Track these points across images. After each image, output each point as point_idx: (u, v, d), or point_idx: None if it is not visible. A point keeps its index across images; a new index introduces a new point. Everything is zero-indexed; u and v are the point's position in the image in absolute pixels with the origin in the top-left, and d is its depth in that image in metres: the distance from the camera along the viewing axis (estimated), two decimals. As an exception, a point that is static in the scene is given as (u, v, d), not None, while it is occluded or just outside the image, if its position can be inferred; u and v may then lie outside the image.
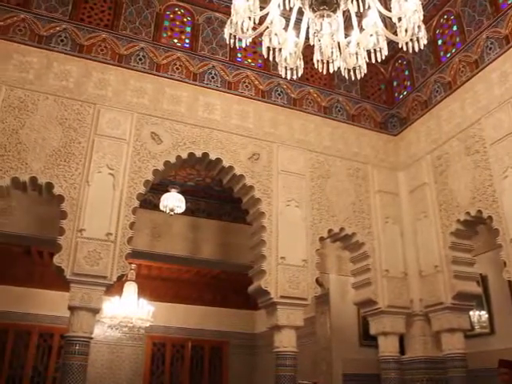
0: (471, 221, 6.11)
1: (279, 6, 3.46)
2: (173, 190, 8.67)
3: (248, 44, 3.60)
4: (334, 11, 3.35)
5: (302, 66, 3.71)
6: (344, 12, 3.43)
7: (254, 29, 3.49)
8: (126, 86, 6.20)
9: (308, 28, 3.51)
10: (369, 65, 3.62)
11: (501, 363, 5.40)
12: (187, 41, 6.88)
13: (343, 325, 8.50)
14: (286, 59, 3.61)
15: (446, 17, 6.91)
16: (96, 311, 5.23)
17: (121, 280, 5.52)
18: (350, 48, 3.54)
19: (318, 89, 7.33)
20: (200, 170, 8.24)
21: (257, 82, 6.95)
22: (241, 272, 7.42)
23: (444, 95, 6.72)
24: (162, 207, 8.46)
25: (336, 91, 7.45)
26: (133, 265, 10.09)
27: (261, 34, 3.54)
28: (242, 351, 12.53)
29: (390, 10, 3.33)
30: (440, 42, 6.97)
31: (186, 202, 8.67)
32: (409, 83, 7.54)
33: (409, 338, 6.70)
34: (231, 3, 3.46)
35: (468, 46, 6.39)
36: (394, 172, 7.29)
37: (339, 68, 3.62)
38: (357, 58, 3.54)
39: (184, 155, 6.10)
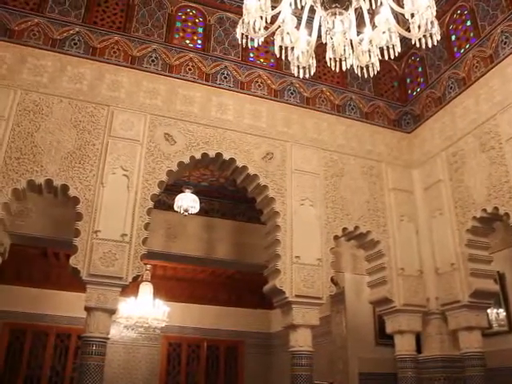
0: (487, 218, 6.05)
1: (291, 4, 3.45)
2: (187, 190, 8.69)
3: (260, 43, 3.61)
4: (346, 9, 3.34)
5: (315, 65, 3.70)
6: (356, 9, 3.42)
7: (266, 28, 3.48)
8: (138, 87, 6.23)
9: (320, 26, 3.50)
10: (382, 62, 3.60)
11: None
12: (199, 41, 6.90)
13: (359, 324, 8.46)
14: (298, 58, 3.61)
15: (459, 12, 6.84)
16: (112, 312, 5.27)
17: (136, 281, 5.55)
18: (362, 45, 3.53)
19: (331, 87, 7.30)
20: (214, 171, 8.24)
21: (269, 82, 6.94)
22: (256, 272, 7.43)
23: (458, 91, 6.65)
24: (176, 208, 8.49)
25: (349, 89, 7.42)
26: (148, 265, 10.15)
27: (273, 34, 3.53)
28: (257, 351, 12.54)
29: (402, 7, 3.31)
30: (453, 37, 6.90)
31: (200, 203, 8.69)
32: (422, 80, 7.48)
33: (425, 336, 6.64)
34: (243, 3, 3.46)
35: (482, 41, 6.32)
36: (408, 170, 7.24)
37: (352, 66, 3.61)
38: (369, 55, 3.53)
39: (197, 156, 6.12)
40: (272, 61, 7.13)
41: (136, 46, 6.46)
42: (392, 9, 3.35)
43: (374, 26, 3.44)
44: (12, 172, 5.31)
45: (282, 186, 6.36)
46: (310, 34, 3.58)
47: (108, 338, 5.20)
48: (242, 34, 3.45)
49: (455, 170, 6.54)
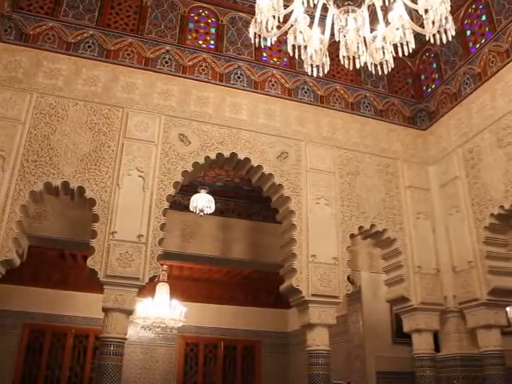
0: (505, 214, 5.97)
1: (303, 3, 3.44)
2: (202, 190, 8.71)
3: (273, 43, 3.60)
4: (359, 6, 3.32)
5: (328, 63, 3.68)
6: (369, 6, 3.40)
7: (279, 27, 3.48)
8: (152, 88, 6.27)
9: (333, 24, 3.49)
10: (396, 59, 3.57)
11: None
12: (212, 42, 6.92)
13: (376, 322, 8.41)
14: (311, 56, 3.59)
15: (474, 6, 6.77)
16: (129, 312, 5.30)
17: (153, 281, 5.58)
18: (376, 43, 3.50)
19: (345, 85, 7.27)
20: (228, 170, 8.26)
21: (283, 81, 6.93)
22: (272, 271, 7.41)
23: (474, 87, 6.58)
24: (191, 208, 8.51)
25: (363, 87, 7.39)
26: (164, 266, 10.18)
27: (286, 33, 3.53)
28: (274, 350, 12.53)
29: (415, 2, 3.28)
30: (468, 32, 6.83)
31: (216, 203, 8.70)
32: (437, 76, 7.41)
33: (443, 334, 6.59)
34: (255, 3, 3.45)
35: (498, 36, 6.25)
36: (424, 167, 7.19)
37: (366, 63, 3.58)
38: (383, 52, 3.50)
39: (212, 156, 6.13)
40: (285, 60, 7.13)
41: (149, 47, 6.50)
42: (405, 5, 3.32)
43: (387, 23, 3.41)
44: (29, 175, 5.37)
45: (297, 184, 6.35)
46: (323, 33, 3.57)
47: (126, 339, 5.24)
48: (255, 34, 3.45)
49: (472, 166, 6.47)
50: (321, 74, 3.71)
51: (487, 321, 6.02)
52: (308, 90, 7.02)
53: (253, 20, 3.45)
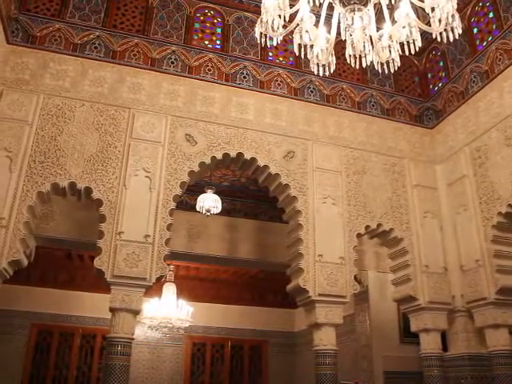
0: (513, 213, 5.95)
1: (309, 2, 3.43)
2: (209, 190, 8.72)
3: (279, 42, 3.60)
4: (365, 4, 3.31)
5: (334, 62, 3.67)
6: (375, 5, 3.38)
7: (285, 27, 3.47)
8: (159, 89, 6.28)
9: (339, 23, 3.48)
10: (402, 57, 3.56)
11: None
12: (218, 42, 6.92)
13: (383, 322, 8.40)
14: (317, 56, 3.58)
15: (481, 4, 6.73)
16: (136, 312, 5.32)
17: (160, 281, 5.59)
18: (382, 41, 3.49)
19: (351, 84, 7.26)
20: (235, 170, 8.26)
21: (289, 80, 6.93)
22: (278, 271, 7.41)
23: (481, 85, 6.55)
24: (198, 208, 8.52)
25: (369, 86, 7.37)
26: (171, 266, 10.20)
27: (291, 32, 3.52)
28: (281, 350, 12.52)
29: (422, 1, 3.26)
30: (475, 30, 6.80)
31: (222, 203, 8.71)
32: (444, 74, 7.38)
33: (451, 334, 6.56)
34: (261, 2, 3.45)
35: (505, 33, 6.21)
36: (431, 166, 7.16)
37: (372, 62, 3.57)
38: (390, 51, 3.48)
39: (219, 156, 6.14)
40: (291, 59, 7.12)
41: (155, 48, 6.51)
42: (412, 3, 3.30)
43: (393, 21, 3.40)
44: (36, 175, 5.40)
45: (304, 184, 6.34)
46: (329, 32, 3.56)
47: (133, 339, 5.25)
48: (261, 34, 3.45)
49: (479, 165, 6.44)
50: (327, 73, 3.70)
51: (495, 320, 5.99)
52: (314, 89, 7.01)
53: (259, 20, 3.45)
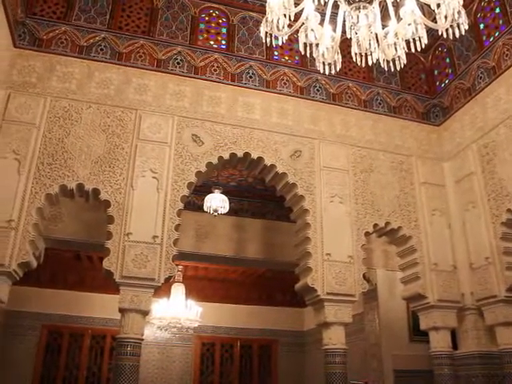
0: (523, 210, 5.90)
1: (314, 1, 3.43)
2: (216, 190, 8.73)
3: (284, 41, 3.61)
4: (370, 2, 3.30)
5: (340, 60, 3.67)
6: (380, 2, 3.37)
7: (290, 26, 3.47)
8: (165, 90, 6.29)
9: (344, 21, 3.47)
10: (408, 54, 3.55)
11: None
12: (223, 42, 6.92)
13: (392, 320, 8.37)
14: (323, 54, 3.58)
15: None
16: (145, 313, 5.33)
17: (168, 282, 5.60)
18: (388, 39, 3.47)
19: (357, 82, 7.24)
20: (242, 170, 8.27)
21: (295, 79, 6.92)
22: (287, 270, 7.42)
23: (488, 81, 6.50)
24: (205, 208, 8.53)
25: (375, 84, 7.34)
26: (179, 266, 10.22)
27: (297, 31, 3.51)
28: (290, 349, 12.52)
29: (427, -2, 3.25)
30: (482, 25, 6.75)
31: (230, 202, 8.72)
32: (450, 71, 7.34)
33: (461, 332, 6.53)
34: (266, 2, 3.45)
35: (512, 29, 6.17)
36: (438, 163, 7.13)
37: (378, 60, 3.56)
38: (395, 48, 3.47)
39: (226, 156, 6.14)
40: (297, 58, 7.11)
41: (161, 49, 6.52)
42: (417, 0, 3.29)
43: (399, 19, 3.39)
44: (44, 177, 5.43)
45: (311, 183, 6.33)
46: (335, 30, 3.55)
47: (142, 339, 5.26)
48: (266, 33, 3.45)
49: (487, 161, 6.40)
50: (333, 72, 3.69)
51: (506, 318, 5.94)
52: (320, 87, 6.99)
53: (264, 19, 3.45)
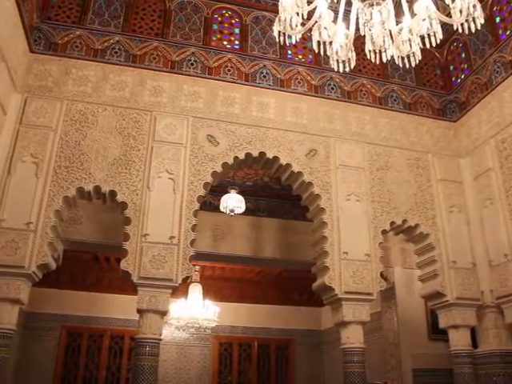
0: (542, 205, 5.82)
1: (327, -2, 3.42)
2: (232, 190, 8.73)
3: (298, 40, 3.60)
4: (384, -1, 3.28)
5: (354, 58, 3.65)
6: (394, -2, 3.35)
7: (303, 24, 3.46)
8: (179, 91, 6.32)
9: (357, 18, 3.45)
10: (423, 50, 3.53)
11: None
12: (237, 42, 6.93)
13: (411, 319, 8.30)
14: (337, 52, 3.57)
15: (503, -7, 6.61)
16: (163, 313, 5.36)
17: (186, 282, 5.63)
18: (402, 35, 3.45)
19: (372, 79, 7.19)
20: (258, 170, 8.27)
21: (309, 78, 6.90)
22: (304, 269, 7.39)
23: (505, 75, 6.42)
24: (222, 208, 8.54)
25: (390, 80, 7.29)
26: (197, 266, 10.26)
27: (310, 29, 3.50)
28: (308, 348, 12.48)
29: (442, -8, 3.22)
30: (498, 19, 6.66)
31: (246, 202, 8.71)
32: (466, 66, 7.26)
33: (481, 330, 6.46)
34: (278, 1, 3.45)
35: (529, 23, 6.09)
36: (455, 159, 7.06)
37: (392, 56, 3.54)
38: (410, 44, 3.45)
39: (241, 156, 6.15)
40: (310, 57, 7.10)
41: (175, 50, 6.55)
42: (431, -5, 3.26)
43: (413, 14, 3.36)
44: (62, 180, 5.49)
45: (327, 182, 6.31)
46: (348, 27, 3.53)
47: (160, 339, 5.29)
48: (279, 32, 3.45)
49: (505, 157, 6.32)
50: (347, 70, 3.68)
51: (527, 315, 5.88)
52: (334, 85, 6.97)
53: (277, 18, 3.45)
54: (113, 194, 5.63)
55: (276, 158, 6.28)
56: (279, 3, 3.41)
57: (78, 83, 6.02)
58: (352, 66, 3.67)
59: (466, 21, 3.17)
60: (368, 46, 3.56)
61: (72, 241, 7.48)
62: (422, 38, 3.37)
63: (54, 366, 10.61)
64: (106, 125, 5.89)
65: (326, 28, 3.45)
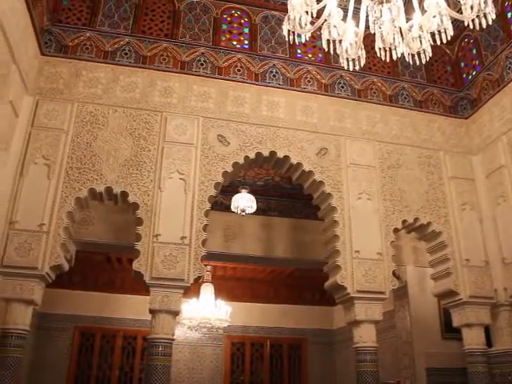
0: (556, 202, 5.76)
1: (336, -4, 3.41)
2: (243, 190, 8.73)
3: (307, 39, 3.58)
4: (393, -4, 3.26)
5: (364, 56, 3.63)
6: (404, -5, 3.33)
7: (312, 23, 3.45)
8: (190, 91, 6.33)
9: (367, 16, 3.44)
10: (433, 47, 3.50)
11: None
12: (246, 42, 6.93)
13: (424, 317, 8.26)
14: (346, 50, 3.55)
15: (514, -12, 6.55)
16: (176, 313, 5.37)
17: (197, 282, 5.63)
18: (412, 32, 3.43)
19: (382, 77, 7.16)
20: (268, 169, 8.26)
21: (319, 77, 6.88)
22: (316, 268, 7.38)
23: (517, 72, 6.36)
24: (233, 208, 8.54)
25: (401, 78, 7.25)
26: (208, 266, 10.28)
27: (319, 28, 3.50)
28: (320, 348, 12.46)
29: (452, -11, 3.20)
30: (510, 14, 6.60)
31: (257, 202, 8.71)
32: (477, 62, 7.20)
33: (495, 329, 6.40)
34: (287, 0, 3.44)
35: (541, 18, 6.03)
36: (467, 157, 7.00)
37: (402, 54, 3.51)
38: (420, 41, 3.42)
39: (252, 155, 6.15)
40: (320, 55, 7.08)
41: (184, 51, 6.57)
42: (442, -9, 3.24)
43: (423, 11, 3.33)
44: (74, 182, 5.52)
45: (338, 180, 6.29)
46: (358, 25, 3.52)
47: (173, 339, 5.31)
48: (289, 31, 3.44)
49: (518, 154, 6.26)
50: (357, 68, 3.66)
51: (541, 313, 5.82)
52: (345, 84, 6.94)
53: (286, 17, 3.44)
54: (124, 194, 5.65)
55: (287, 158, 6.27)
56: (288, 2, 3.41)
57: (89, 85, 6.06)
58: (362, 64, 3.66)
59: (477, 16, 3.14)
60: (378, 44, 3.54)
61: (84, 242, 7.53)
62: (433, 34, 3.34)
63: (67, 365, 10.70)
64: (117, 126, 5.92)
65: (335, 26, 3.44)
